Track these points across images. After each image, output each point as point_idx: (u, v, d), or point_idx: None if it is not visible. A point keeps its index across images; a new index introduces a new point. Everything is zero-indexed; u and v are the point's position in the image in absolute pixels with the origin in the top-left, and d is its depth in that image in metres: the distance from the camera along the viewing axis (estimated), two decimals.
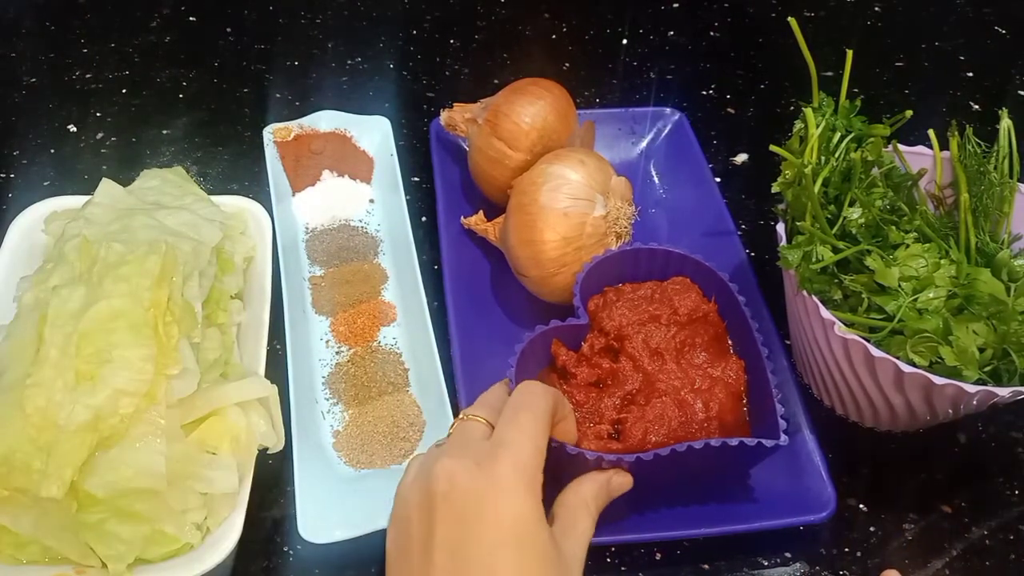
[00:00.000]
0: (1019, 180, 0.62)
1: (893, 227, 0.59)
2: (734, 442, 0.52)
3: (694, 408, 0.56)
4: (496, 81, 0.92)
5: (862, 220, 0.59)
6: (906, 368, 0.53)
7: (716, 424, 0.56)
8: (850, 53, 0.63)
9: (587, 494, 0.49)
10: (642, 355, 0.58)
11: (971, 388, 0.52)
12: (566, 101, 0.72)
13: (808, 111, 0.62)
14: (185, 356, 0.55)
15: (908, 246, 0.58)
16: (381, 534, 0.53)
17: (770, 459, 0.55)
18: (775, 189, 0.62)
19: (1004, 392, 0.53)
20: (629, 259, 0.63)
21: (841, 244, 0.58)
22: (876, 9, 1.06)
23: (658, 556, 0.58)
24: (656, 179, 0.81)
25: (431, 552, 0.41)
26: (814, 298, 0.57)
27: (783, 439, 0.53)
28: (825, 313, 0.56)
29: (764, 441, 0.52)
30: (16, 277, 0.61)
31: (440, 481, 0.43)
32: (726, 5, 1.05)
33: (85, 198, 0.65)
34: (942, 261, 0.57)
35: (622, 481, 0.51)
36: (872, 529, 0.60)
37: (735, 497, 0.58)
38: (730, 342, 0.61)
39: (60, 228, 0.63)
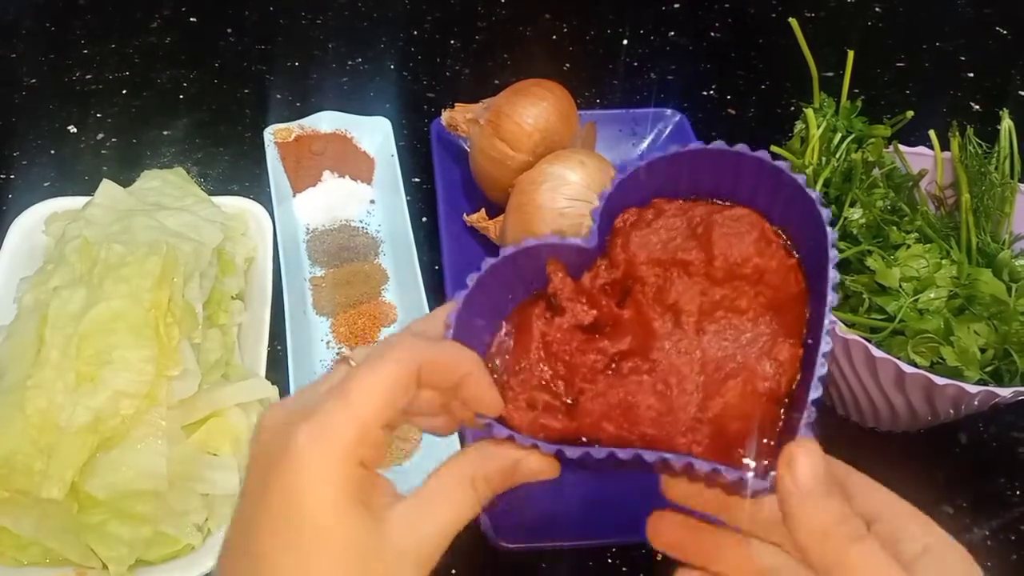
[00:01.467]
0: (1020, 180, 0.62)
1: (894, 228, 0.59)
2: (705, 467, 0.37)
3: (685, 400, 0.40)
4: (497, 82, 0.91)
5: (863, 220, 0.59)
6: (907, 368, 0.53)
7: (709, 431, 0.40)
8: (851, 54, 0.63)
9: (473, 470, 0.38)
10: (652, 308, 0.43)
11: (972, 388, 0.52)
12: (568, 102, 0.72)
13: (809, 112, 0.62)
14: (186, 357, 0.55)
15: (909, 246, 0.58)
16: None
17: None
18: None
19: (1005, 392, 0.53)
20: (691, 164, 0.44)
21: (842, 244, 0.59)
22: (877, 9, 1.06)
23: (659, 556, 0.58)
24: None
25: (234, 518, 0.36)
26: None
27: (770, 480, 0.37)
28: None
29: (747, 477, 0.38)
30: (16, 278, 0.61)
31: (256, 432, 0.36)
32: (727, 6, 1.05)
33: (85, 199, 0.65)
34: (943, 261, 0.57)
35: (538, 468, 0.39)
36: None
37: None
38: (806, 315, 0.42)
39: (60, 229, 0.63)
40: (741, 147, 0.42)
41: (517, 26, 1.01)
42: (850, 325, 0.57)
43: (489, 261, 0.41)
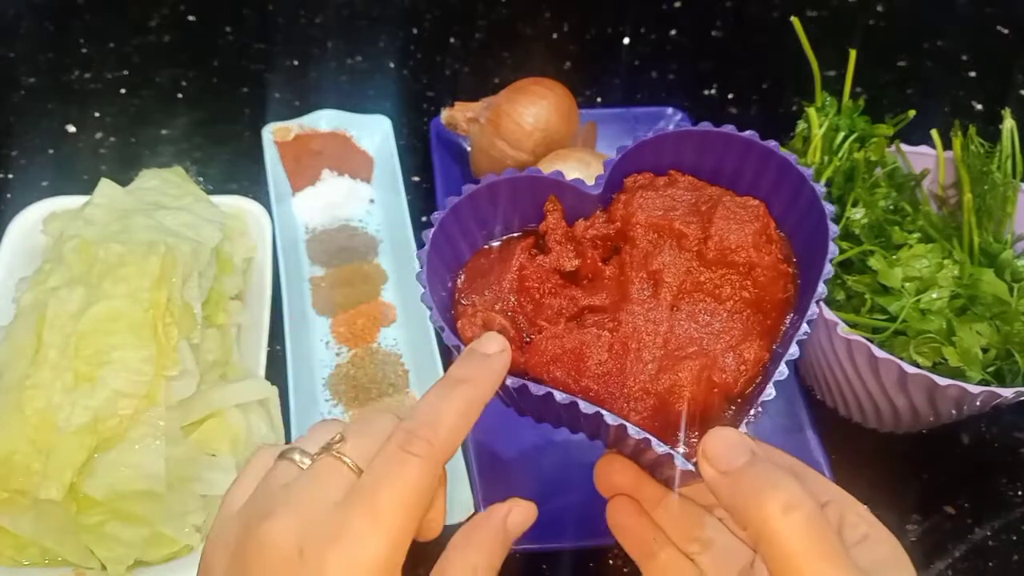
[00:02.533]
0: (1022, 180, 0.62)
1: (896, 227, 0.59)
2: (637, 435, 0.37)
3: (639, 368, 0.40)
4: (497, 80, 0.91)
5: (865, 220, 0.59)
6: (909, 369, 0.53)
7: (652, 404, 0.39)
8: (853, 53, 0.62)
9: (477, 560, 0.36)
10: (634, 271, 0.42)
11: (974, 389, 0.52)
12: (568, 101, 0.72)
13: (811, 111, 0.62)
14: (184, 357, 0.54)
15: (911, 246, 0.58)
16: None
17: None
18: None
19: (1007, 393, 0.53)
20: (716, 145, 0.46)
21: (844, 244, 0.58)
22: (878, 9, 1.06)
23: None
24: None
25: None
26: None
27: (689, 463, 0.37)
28: (828, 314, 0.56)
29: (675, 454, 0.37)
30: (15, 278, 0.61)
31: (254, 557, 0.33)
32: (728, 4, 1.05)
33: (84, 198, 0.64)
34: (945, 261, 0.57)
35: (522, 518, 0.38)
36: None
37: None
38: (785, 324, 0.42)
39: (59, 229, 0.62)
40: (773, 144, 0.44)
41: (517, 24, 1.00)
42: (852, 325, 0.56)
43: (489, 177, 0.41)
